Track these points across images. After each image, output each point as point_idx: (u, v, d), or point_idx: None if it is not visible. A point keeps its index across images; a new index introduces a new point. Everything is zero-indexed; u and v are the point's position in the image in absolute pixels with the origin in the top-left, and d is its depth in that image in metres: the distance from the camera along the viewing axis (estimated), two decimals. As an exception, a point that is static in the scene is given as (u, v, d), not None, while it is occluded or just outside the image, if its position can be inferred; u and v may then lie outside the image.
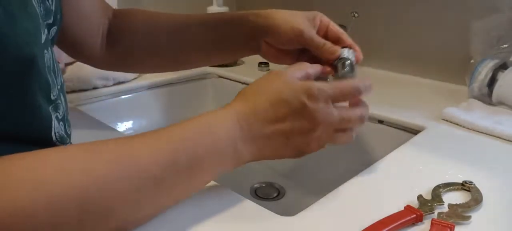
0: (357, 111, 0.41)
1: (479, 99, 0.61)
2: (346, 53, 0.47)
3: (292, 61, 0.51)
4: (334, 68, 0.48)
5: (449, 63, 0.75)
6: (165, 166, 0.31)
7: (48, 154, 0.28)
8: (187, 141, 0.33)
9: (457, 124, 0.56)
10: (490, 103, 0.61)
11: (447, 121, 0.57)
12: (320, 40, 0.48)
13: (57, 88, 0.37)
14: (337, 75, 0.47)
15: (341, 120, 0.38)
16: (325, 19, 0.51)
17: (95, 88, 0.71)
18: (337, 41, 0.49)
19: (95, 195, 0.28)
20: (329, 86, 0.38)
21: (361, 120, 0.41)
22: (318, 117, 0.37)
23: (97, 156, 0.29)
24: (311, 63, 0.44)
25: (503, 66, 0.60)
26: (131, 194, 0.29)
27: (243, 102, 0.37)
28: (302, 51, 0.51)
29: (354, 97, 0.42)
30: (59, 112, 0.37)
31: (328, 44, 0.48)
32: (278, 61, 0.52)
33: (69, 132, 0.40)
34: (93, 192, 0.27)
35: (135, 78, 0.78)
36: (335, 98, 0.38)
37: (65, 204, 0.26)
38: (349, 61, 0.47)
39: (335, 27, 0.51)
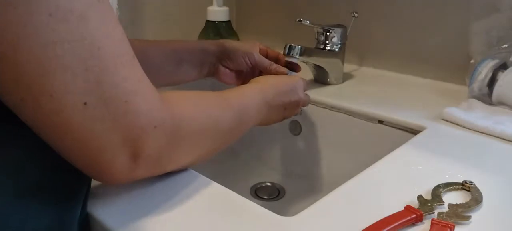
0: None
1: (479, 99, 0.61)
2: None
3: (244, 81, 0.64)
4: None
5: (449, 63, 0.75)
6: (238, 110, 0.46)
7: (187, 93, 0.41)
8: (242, 100, 0.48)
9: (457, 124, 0.56)
10: (490, 103, 0.61)
11: (447, 121, 0.57)
12: (267, 61, 0.63)
13: None
14: None
15: (307, 101, 0.61)
16: (263, 45, 0.66)
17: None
18: (276, 60, 0.66)
19: (220, 116, 0.42)
20: (304, 80, 0.60)
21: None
22: (302, 98, 0.58)
23: (213, 98, 0.44)
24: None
25: (503, 66, 0.60)
26: (229, 123, 0.44)
27: (259, 83, 0.54)
28: (252, 71, 0.64)
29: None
30: None
31: (274, 64, 0.63)
32: (232, 81, 0.65)
33: None
34: (219, 114, 0.42)
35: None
36: (305, 87, 0.60)
37: (209, 120, 0.41)
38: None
39: (271, 50, 0.67)
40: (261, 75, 0.62)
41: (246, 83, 0.60)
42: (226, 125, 0.43)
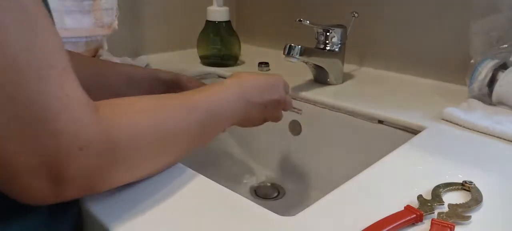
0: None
1: (479, 99, 0.61)
2: None
3: None
4: None
5: (449, 63, 0.75)
6: (206, 111, 0.43)
7: (138, 98, 0.38)
8: (211, 98, 0.45)
9: (457, 124, 0.56)
10: (490, 103, 0.61)
11: (447, 121, 0.57)
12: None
13: None
14: None
15: (289, 103, 0.59)
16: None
17: None
18: None
19: (170, 123, 0.38)
20: (285, 81, 0.58)
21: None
22: (283, 97, 0.56)
23: (169, 100, 0.41)
24: None
25: (503, 66, 0.60)
26: (186, 127, 0.40)
27: (238, 78, 0.51)
28: None
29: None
30: None
31: None
32: None
33: None
34: (169, 121, 0.38)
35: (135, 78, 0.78)
36: (287, 88, 0.59)
37: (159, 128, 0.37)
38: None
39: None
40: None
41: None
42: (185, 130, 0.40)
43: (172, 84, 0.61)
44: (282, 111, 0.58)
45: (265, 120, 0.56)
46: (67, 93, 0.29)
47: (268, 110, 0.54)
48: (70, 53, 0.60)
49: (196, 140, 0.42)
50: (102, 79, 0.58)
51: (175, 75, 0.62)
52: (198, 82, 0.62)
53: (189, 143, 0.41)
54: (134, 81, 0.60)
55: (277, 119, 0.58)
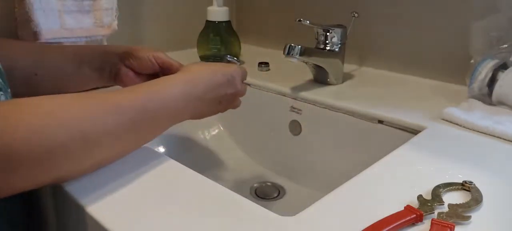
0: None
1: (479, 99, 0.61)
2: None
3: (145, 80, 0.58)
4: None
5: (449, 63, 0.75)
6: (138, 110, 0.40)
7: (51, 97, 0.35)
8: (150, 98, 0.42)
9: (457, 124, 0.56)
10: (490, 103, 0.61)
11: (447, 121, 0.57)
12: (176, 62, 0.58)
13: None
14: None
15: (244, 92, 0.56)
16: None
17: (95, 88, 0.71)
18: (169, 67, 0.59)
19: (92, 128, 0.35)
20: (243, 69, 0.57)
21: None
22: (239, 89, 0.54)
23: (91, 101, 0.38)
24: None
25: (503, 66, 0.60)
26: (114, 129, 0.37)
27: (189, 73, 0.48)
28: (154, 76, 0.58)
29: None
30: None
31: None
32: (132, 82, 0.58)
33: None
34: (91, 125, 0.35)
35: (135, 78, 0.78)
36: (244, 77, 0.57)
37: (72, 130, 0.34)
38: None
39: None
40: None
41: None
42: (108, 131, 0.37)
43: (125, 56, 0.57)
44: (239, 99, 0.57)
45: (218, 112, 0.54)
46: None
47: (222, 105, 0.53)
48: (9, 42, 0.57)
49: (127, 141, 0.40)
50: (49, 63, 0.55)
51: (127, 47, 0.59)
52: (152, 52, 0.58)
53: (117, 145, 0.39)
54: (83, 60, 0.57)
55: (234, 108, 0.56)
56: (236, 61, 0.59)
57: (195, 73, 0.48)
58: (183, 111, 0.46)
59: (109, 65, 0.58)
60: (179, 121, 0.47)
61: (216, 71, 0.51)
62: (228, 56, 0.60)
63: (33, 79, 0.54)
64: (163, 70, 0.58)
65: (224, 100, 0.52)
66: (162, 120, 0.44)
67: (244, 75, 0.57)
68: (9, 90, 0.43)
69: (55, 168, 0.34)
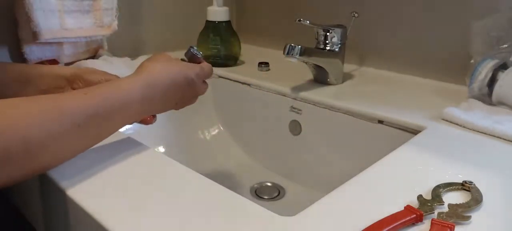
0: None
1: (479, 99, 0.61)
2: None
3: None
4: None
5: (449, 63, 0.75)
6: (88, 115, 0.39)
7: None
8: (106, 99, 0.42)
9: (457, 124, 0.56)
10: (490, 103, 0.61)
11: (447, 121, 0.57)
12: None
13: None
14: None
15: (204, 91, 0.55)
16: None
17: None
18: None
19: (35, 133, 0.35)
20: (206, 67, 0.54)
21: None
22: (199, 89, 0.53)
23: (34, 105, 0.37)
24: None
25: (503, 66, 0.60)
26: (58, 133, 0.37)
27: (148, 75, 0.46)
28: None
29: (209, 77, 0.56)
30: None
31: None
32: None
33: None
34: (32, 130, 0.35)
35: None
36: (206, 77, 0.55)
37: (12, 137, 0.34)
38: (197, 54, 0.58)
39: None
40: None
41: None
42: (53, 136, 0.37)
43: (74, 79, 0.56)
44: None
45: (174, 109, 0.53)
46: None
47: (179, 104, 0.52)
48: None
49: (75, 144, 0.40)
50: None
51: (76, 69, 0.57)
52: (103, 74, 0.56)
53: (65, 149, 0.39)
54: (29, 79, 0.55)
55: (190, 104, 0.55)
56: (198, 54, 0.57)
57: (154, 75, 0.47)
58: (137, 113, 0.46)
59: (56, 88, 0.56)
60: (131, 123, 0.47)
61: (177, 74, 0.49)
62: (192, 48, 0.57)
63: None
64: None
65: (180, 102, 0.51)
66: (114, 122, 0.43)
67: (207, 74, 0.55)
68: None
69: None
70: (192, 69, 0.52)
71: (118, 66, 0.76)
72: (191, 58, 0.57)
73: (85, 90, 0.41)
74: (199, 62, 0.56)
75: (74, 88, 0.56)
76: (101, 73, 0.56)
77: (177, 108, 0.53)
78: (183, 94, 0.50)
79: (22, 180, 0.37)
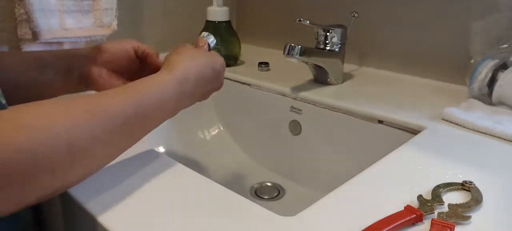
0: None
1: (479, 99, 0.61)
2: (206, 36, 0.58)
3: (123, 82, 0.54)
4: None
5: (449, 63, 0.75)
6: (129, 115, 0.38)
7: (32, 106, 0.33)
8: (143, 98, 0.40)
9: (457, 124, 0.56)
10: (490, 103, 0.61)
11: (447, 121, 0.57)
12: (155, 51, 0.54)
13: None
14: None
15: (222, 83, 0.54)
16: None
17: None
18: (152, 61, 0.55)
19: (79, 136, 0.33)
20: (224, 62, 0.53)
21: None
22: (222, 79, 0.52)
23: (74, 106, 0.35)
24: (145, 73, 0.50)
25: (503, 66, 0.60)
26: (102, 135, 0.35)
27: (179, 72, 0.45)
28: (133, 64, 0.55)
29: None
30: None
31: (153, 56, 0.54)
32: (111, 84, 0.53)
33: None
34: (77, 134, 0.33)
35: (135, 78, 0.78)
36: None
37: (56, 141, 0.31)
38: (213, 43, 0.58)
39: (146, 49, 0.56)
40: (146, 69, 0.53)
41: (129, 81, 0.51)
42: (97, 140, 0.35)
43: (94, 54, 0.53)
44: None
45: (202, 100, 0.52)
46: None
47: (206, 95, 0.51)
48: None
49: (115, 146, 0.38)
50: (8, 72, 0.50)
51: (96, 46, 0.54)
52: (129, 43, 0.54)
53: (105, 152, 0.37)
54: (46, 65, 0.52)
55: (217, 90, 0.54)
56: (211, 39, 0.56)
57: (185, 71, 0.45)
58: (172, 111, 0.45)
59: (77, 68, 0.52)
60: (166, 119, 0.45)
61: (205, 67, 0.48)
62: (206, 34, 0.55)
63: None
64: (142, 63, 0.54)
65: (207, 93, 0.50)
66: (152, 122, 0.42)
67: (224, 65, 0.54)
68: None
69: (39, 185, 0.31)
70: (217, 60, 0.51)
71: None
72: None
73: (121, 90, 0.39)
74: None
75: (99, 64, 0.53)
76: (122, 41, 0.53)
77: (202, 100, 0.51)
78: (211, 86, 0.50)
79: (62, 191, 0.35)
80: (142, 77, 0.43)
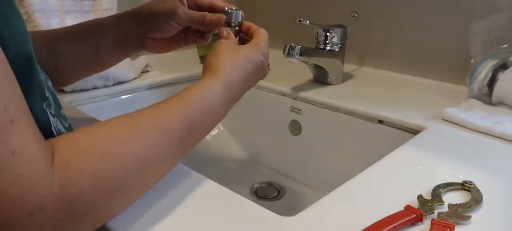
0: None
1: (479, 99, 0.61)
2: (230, 12, 0.55)
3: (179, 45, 0.55)
4: (227, 25, 0.54)
5: (449, 63, 0.75)
6: (186, 127, 0.38)
7: (100, 128, 0.33)
8: (197, 107, 0.40)
9: (457, 124, 0.56)
10: (490, 103, 0.61)
11: (447, 121, 0.57)
12: (198, 14, 0.51)
13: (46, 86, 0.37)
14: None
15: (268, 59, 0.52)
16: None
17: (95, 88, 0.71)
18: (211, 7, 0.53)
19: (149, 155, 0.34)
20: (262, 42, 0.51)
21: None
22: (266, 69, 0.50)
23: (142, 124, 0.35)
24: (197, 35, 0.54)
25: (503, 66, 0.60)
26: (167, 151, 0.36)
27: (225, 75, 0.44)
28: (184, 32, 0.54)
29: None
30: (51, 109, 0.37)
31: (208, 15, 0.51)
32: (165, 50, 0.54)
33: (66, 125, 0.40)
34: (147, 155, 0.34)
35: (135, 78, 0.78)
36: (267, 48, 0.51)
37: (130, 166, 0.32)
38: (235, 22, 0.56)
39: None
40: (195, 33, 0.54)
41: (182, 45, 0.54)
42: (163, 155, 0.36)
43: (139, 25, 0.52)
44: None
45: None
46: (12, 151, 0.25)
47: (252, 85, 0.50)
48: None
49: (174, 159, 0.39)
50: (63, 59, 0.51)
51: (137, 14, 0.52)
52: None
53: (169, 165, 0.38)
54: (100, 44, 0.52)
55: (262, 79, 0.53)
56: (233, 15, 0.55)
57: (229, 73, 0.44)
58: (222, 115, 0.44)
59: (130, 41, 0.53)
60: (217, 124, 0.45)
61: (247, 63, 0.46)
62: (229, 8, 0.54)
63: (53, 74, 0.50)
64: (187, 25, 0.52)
65: (252, 85, 0.49)
66: (205, 130, 0.42)
67: (267, 40, 0.52)
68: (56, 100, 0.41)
69: (111, 210, 0.32)
70: (257, 51, 0.48)
71: (118, 66, 0.76)
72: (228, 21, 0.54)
73: (177, 101, 0.39)
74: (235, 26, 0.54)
75: (149, 37, 0.52)
76: (164, 17, 0.51)
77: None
78: (256, 78, 0.49)
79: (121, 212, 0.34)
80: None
